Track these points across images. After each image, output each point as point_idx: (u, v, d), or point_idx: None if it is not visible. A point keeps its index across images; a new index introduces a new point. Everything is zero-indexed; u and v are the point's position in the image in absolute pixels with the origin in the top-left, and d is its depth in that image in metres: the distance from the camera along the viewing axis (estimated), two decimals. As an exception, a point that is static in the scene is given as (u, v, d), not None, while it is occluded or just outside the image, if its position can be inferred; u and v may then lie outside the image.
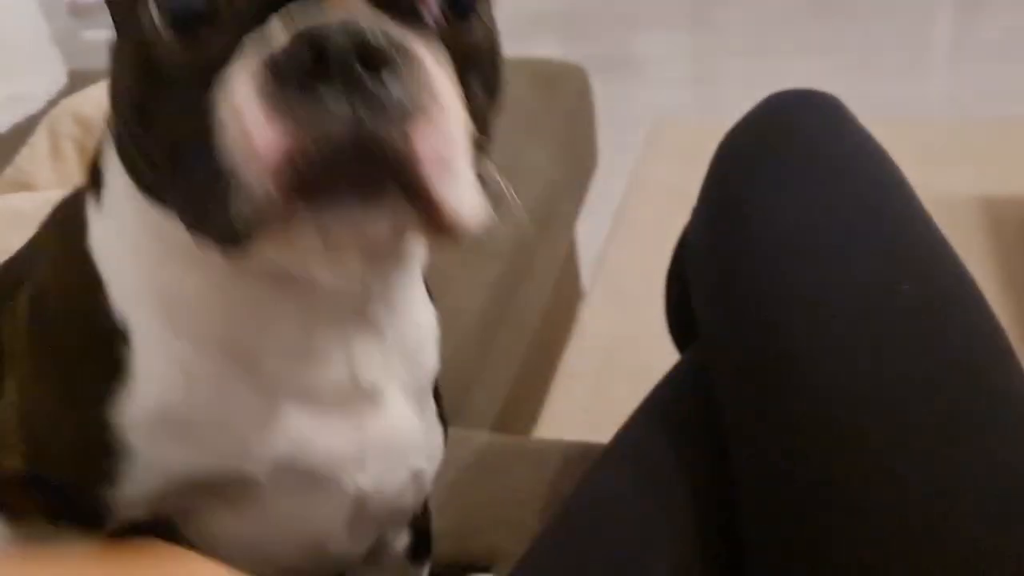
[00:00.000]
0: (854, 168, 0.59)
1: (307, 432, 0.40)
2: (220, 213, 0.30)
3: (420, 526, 0.57)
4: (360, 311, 0.41)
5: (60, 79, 1.52)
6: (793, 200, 0.57)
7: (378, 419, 0.43)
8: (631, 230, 1.81)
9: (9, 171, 1.07)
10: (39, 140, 1.08)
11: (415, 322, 0.45)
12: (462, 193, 0.32)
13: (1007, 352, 0.50)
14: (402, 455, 0.45)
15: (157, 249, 0.38)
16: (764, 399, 0.51)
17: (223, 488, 0.41)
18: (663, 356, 0.71)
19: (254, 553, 0.45)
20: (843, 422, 0.47)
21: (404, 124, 0.30)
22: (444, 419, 0.51)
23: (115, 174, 0.39)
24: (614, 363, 1.47)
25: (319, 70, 0.29)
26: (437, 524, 0.72)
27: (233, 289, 0.38)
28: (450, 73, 0.33)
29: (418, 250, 0.43)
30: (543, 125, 1.26)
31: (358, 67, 0.29)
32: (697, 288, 0.62)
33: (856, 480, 0.45)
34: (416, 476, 0.47)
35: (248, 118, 0.29)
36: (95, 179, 0.41)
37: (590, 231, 1.81)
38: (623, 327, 1.54)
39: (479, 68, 0.36)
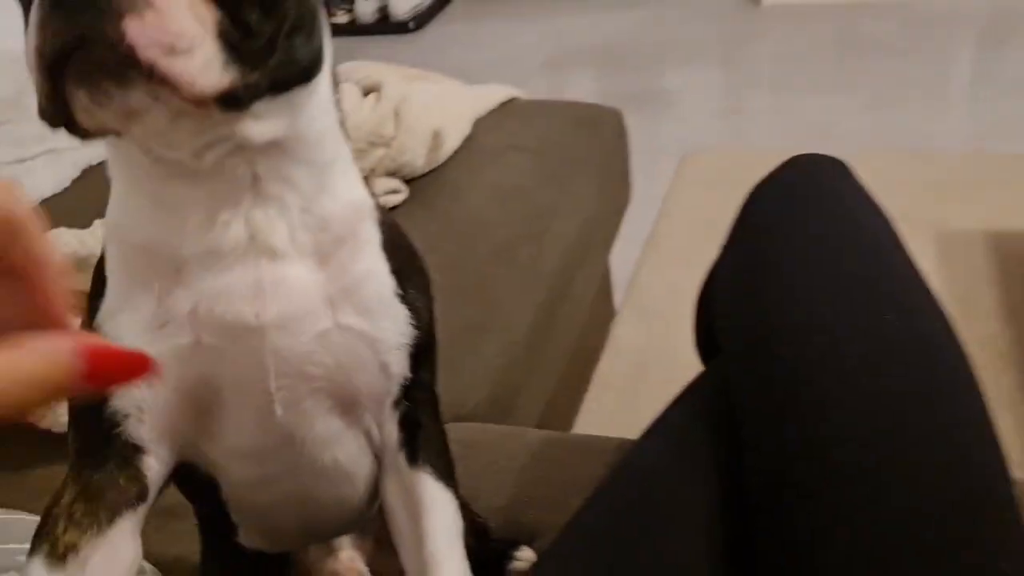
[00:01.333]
0: (859, 227, 0.74)
1: (212, 284, 0.49)
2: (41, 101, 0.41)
3: (416, 422, 0.58)
4: (260, 191, 0.48)
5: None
6: (808, 253, 0.71)
7: (276, 268, 0.49)
8: (661, 255, 1.96)
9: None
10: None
11: (333, 200, 0.51)
12: (195, 67, 0.40)
13: (965, 372, 0.64)
14: (310, 303, 0.50)
15: (121, 179, 0.50)
16: (774, 408, 0.65)
17: (176, 373, 0.50)
18: (687, 369, 0.84)
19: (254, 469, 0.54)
20: (835, 419, 0.61)
21: (118, 23, 0.38)
22: (414, 305, 0.55)
23: None
24: (642, 375, 1.61)
25: None
26: (491, 502, 0.86)
27: (160, 196, 0.48)
28: None
29: (321, 144, 0.51)
30: (585, 163, 1.42)
31: None
32: (722, 319, 0.76)
33: (848, 466, 0.59)
34: (354, 336, 0.52)
35: (35, 21, 0.39)
36: None
37: (624, 255, 1.96)
38: (651, 342, 1.69)
39: None
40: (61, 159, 1.54)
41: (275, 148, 0.48)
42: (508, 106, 1.57)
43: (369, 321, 0.53)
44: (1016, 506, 0.61)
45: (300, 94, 0.48)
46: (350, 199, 0.53)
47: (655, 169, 2.34)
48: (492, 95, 1.56)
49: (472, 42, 3.44)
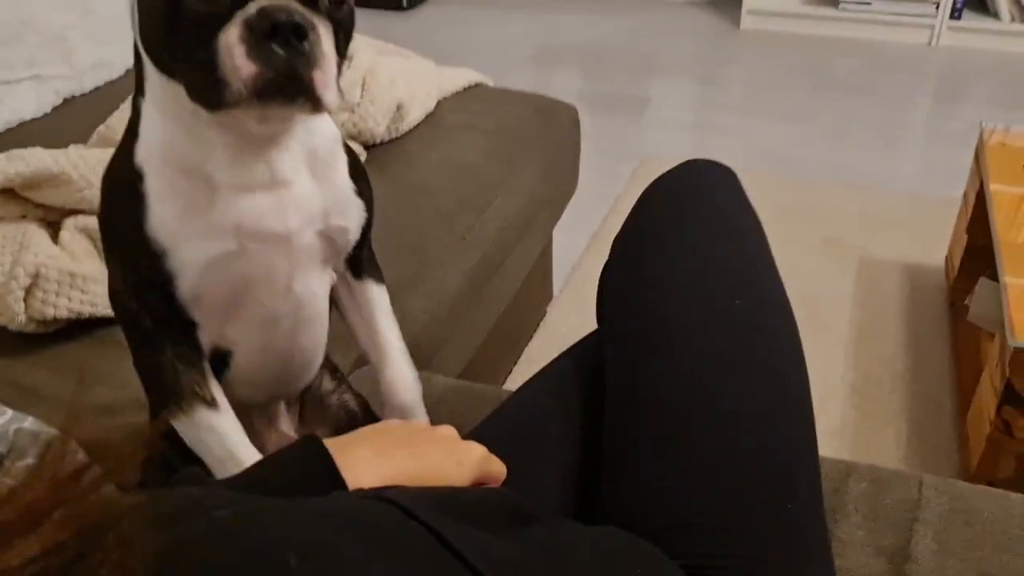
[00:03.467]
0: (728, 230, 0.86)
1: (248, 206, 0.67)
2: (214, 93, 0.58)
3: (359, 254, 0.80)
4: (275, 141, 0.67)
5: (138, 52, 1.79)
6: (682, 245, 0.83)
7: (291, 191, 0.69)
8: (603, 249, 2.07)
9: (101, 128, 1.34)
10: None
11: (319, 136, 0.71)
12: (332, 94, 0.61)
13: (782, 353, 0.77)
14: (313, 211, 0.71)
15: (163, 116, 0.65)
16: (630, 360, 0.77)
17: (224, 269, 0.68)
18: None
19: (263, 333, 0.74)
20: (682, 371, 0.74)
21: (308, 65, 0.58)
22: (365, 197, 0.77)
23: (146, 63, 0.65)
24: (568, 357, 1.72)
25: (271, 32, 0.57)
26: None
27: (197, 134, 0.65)
28: (330, 35, 0.61)
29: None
30: (535, 150, 1.52)
31: (293, 35, 0.57)
32: (607, 294, 0.88)
33: (679, 403, 0.72)
34: (336, 229, 0.74)
35: (235, 51, 0.57)
36: (139, 69, 0.68)
37: (572, 245, 2.08)
38: (582, 328, 1.79)
39: (344, 30, 0.64)
40: (45, 86, 1.62)
41: None
42: (473, 90, 1.67)
43: (344, 218, 0.75)
44: (813, 475, 0.73)
45: None
46: (328, 132, 0.73)
47: (617, 169, 2.46)
48: (459, 78, 1.66)
49: (462, 26, 3.54)
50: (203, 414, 0.71)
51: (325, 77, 0.60)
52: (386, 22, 3.53)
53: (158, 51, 0.63)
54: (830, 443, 1.56)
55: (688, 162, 0.94)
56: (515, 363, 1.73)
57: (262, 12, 0.57)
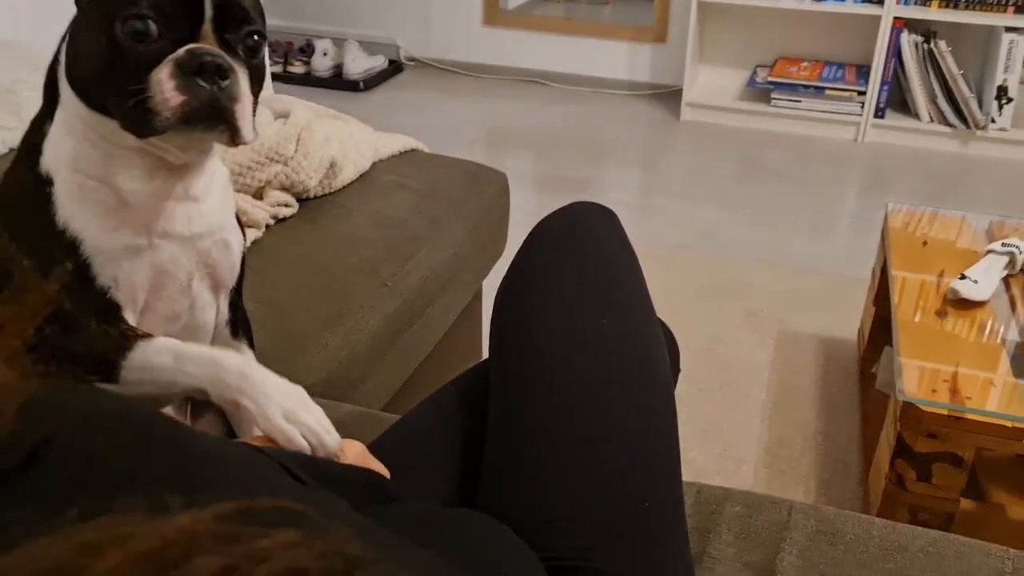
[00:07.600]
0: (604, 262, 0.93)
1: (157, 210, 0.77)
2: (145, 123, 0.67)
3: (237, 308, 0.91)
4: (190, 167, 0.78)
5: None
6: (557, 275, 0.90)
7: (198, 205, 0.80)
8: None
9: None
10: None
11: (220, 172, 0.84)
12: (248, 126, 0.71)
13: (646, 371, 0.83)
14: (214, 224, 0.82)
15: (76, 137, 0.74)
16: (508, 381, 0.83)
17: (136, 259, 0.76)
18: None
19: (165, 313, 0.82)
20: (552, 388, 0.79)
21: (229, 99, 0.69)
22: (243, 234, 0.90)
23: (66, 97, 0.74)
24: (493, 413, 1.76)
25: (198, 70, 0.67)
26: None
27: (112, 157, 0.74)
28: (246, 78, 0.71)
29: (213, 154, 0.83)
30: (463, 209, 1.60)
31: (215, 74, 0.67)
32: (492, 325, 0.94)
33: (549, 418, 0.77)
34: (224, 243, 0.84)
35: (165, 86, 0.66)
36: (51, 101, 0.76)
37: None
38: (508, 388, 1.84)
39: (258, 75, 0.75)
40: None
41: None
42: (408, 155, 1.76)
43: (234, 236, 0.86)
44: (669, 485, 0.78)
45: None
46: (224, 171, 0.87)
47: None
48: (395, 142, 1.75)
49: (415, 108, 3.68)
50: (147, 346, 0.75)
51: (243, 111, 0.70)
52: (345, 102, 3.66)
53: (92, 88, 0.71)
54: (742, 501, 1.60)
55: (570, 204, 1.01)
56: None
57: (190, 53, 0.67)
